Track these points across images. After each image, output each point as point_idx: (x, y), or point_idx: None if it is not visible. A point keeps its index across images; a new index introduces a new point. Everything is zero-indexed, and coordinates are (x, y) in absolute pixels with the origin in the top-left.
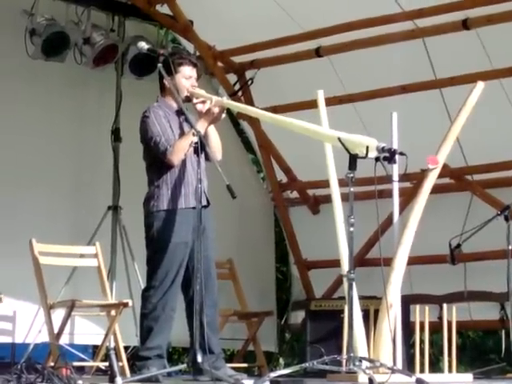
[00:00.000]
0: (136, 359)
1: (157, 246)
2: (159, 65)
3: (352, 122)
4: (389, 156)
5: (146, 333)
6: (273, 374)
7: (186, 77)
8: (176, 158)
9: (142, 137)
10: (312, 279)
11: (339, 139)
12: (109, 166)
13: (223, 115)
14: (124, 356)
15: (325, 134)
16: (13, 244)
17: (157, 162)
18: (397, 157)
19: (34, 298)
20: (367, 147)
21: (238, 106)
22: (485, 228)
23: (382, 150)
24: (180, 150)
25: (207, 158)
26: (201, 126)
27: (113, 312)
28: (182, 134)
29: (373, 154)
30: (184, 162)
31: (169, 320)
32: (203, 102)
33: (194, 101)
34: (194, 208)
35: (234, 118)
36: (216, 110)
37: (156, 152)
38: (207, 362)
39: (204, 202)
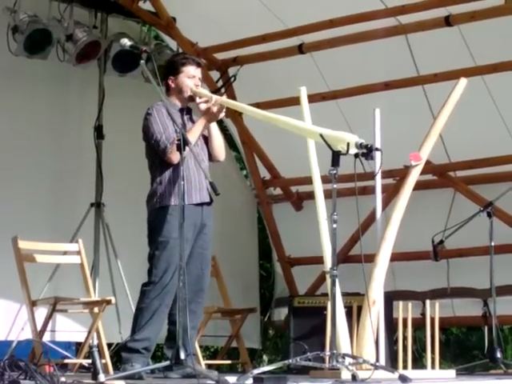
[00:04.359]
0: (123, 350)
1: (158, 243)
2: (142, 62)
3: (335, 119)
4: (366, 152)
5: (137, 325)
6: (256, 371)
7: (190, 76)
8: (175, 157)
9: (144, 134)
10: (295, 276)
11: (321, 136)
12: (91, 163)
13: (222, 114)
14: (107, 353)
15: (316, 132)
16: None
17: (159, 159)
18: (377, 153)
19: (15, 296)
20: (348, 143)
21: (236, 105)
22: (468, 224)
23: (361, 146)
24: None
25: (210, 159)
26: (200, 125)
27: (96, 309)
28: None
29: (353, 150)
30: (188, 159)
31: (161, 315)
32: (207, 102)
33: (198, 100)
34: (196, 205)
35: None
36: (215, 109)
37: (156, 150)
38: (190, 359)
39: (207, 199)
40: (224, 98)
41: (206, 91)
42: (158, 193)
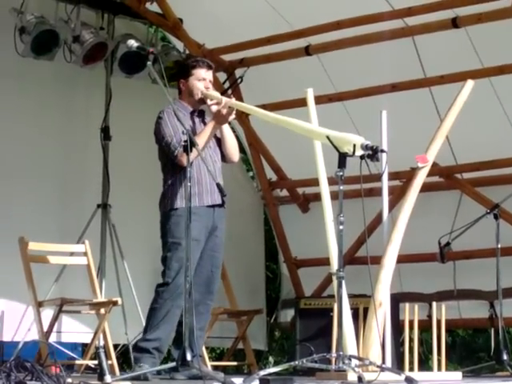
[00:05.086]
0: (134, 349)
1: (170, 244)
2: (149, 63)
3: (342, 121)
4: (371, 153)
5: (149, 325)
6: (262, 372)
7: (200, 78)
8: (185, 159)
9: (155, 138)
10: (302, 277)
11: (328, 137)
12: (98, 164)
13: (232, 116)
14: (113, 354)
15: (322, 134)
16: (1, 242)
17: (171, 162)
18: (384, 155)
19: (22, 297)
20: (354, 145)
21: (245, 107)
22: (474, 226)
23: (366, 147)
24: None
25: (224, 160)
26: (210, 127)
27: (102, 310)
28: (195, 135)
29: (359, 151)
30: (199, 162)
31: (173, 316)
32: (218, 104)
33: (209, 102)
34: (207, 207)
35: None
36: (224, 111)
37: (167, 153)
38: (196, 361)
39: (219, 201)
40: (233, 101)
41: (216, 93)
42: (169, 195)
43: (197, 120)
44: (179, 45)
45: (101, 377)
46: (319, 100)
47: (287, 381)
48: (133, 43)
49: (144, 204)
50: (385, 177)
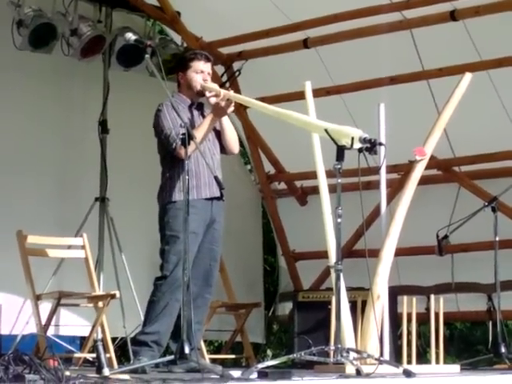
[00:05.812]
0: (132, 343)
1: (168, 237)
2: (146, 56)
3: (340, 114)
4: (370, 146)
5: (147, 318)
6: (260, 365)
7: (198, 71)
8: (183, 152)
9: (154, 131)
10: (300, 270)
11: (326, 131)
12: (96, 157)
13: (231, 109)
14: (111, 347)
15: (320, 127)
16: None
17: (170, 154)
18: (382, 148)
19: (20, 290)
20: (352, 138)
21: (244, 99)
22: (472, 219)
23: (364, 140)
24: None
25: (222, 151)
26: (208, 120)
27: (100, 303)
28: (194, 128)
29: (357, 144)
30: (198, 155)
31: (172, 309)
32: (216, 96)
33: (207, 94)
34: (206, 199)
35: None
36: (223, 103)
37: (166, 145)
38: (194, 354)
39: (217, 194)
40: (232, 93)
41: (215, 85)
42: (168, 188)
43: (196, 113)
44: (177, 38)
45: (99, 370)
46: (317, 93)
47: (285, 374)
48: (130, 36)
49: (142, 197)
50: (383, 170)
